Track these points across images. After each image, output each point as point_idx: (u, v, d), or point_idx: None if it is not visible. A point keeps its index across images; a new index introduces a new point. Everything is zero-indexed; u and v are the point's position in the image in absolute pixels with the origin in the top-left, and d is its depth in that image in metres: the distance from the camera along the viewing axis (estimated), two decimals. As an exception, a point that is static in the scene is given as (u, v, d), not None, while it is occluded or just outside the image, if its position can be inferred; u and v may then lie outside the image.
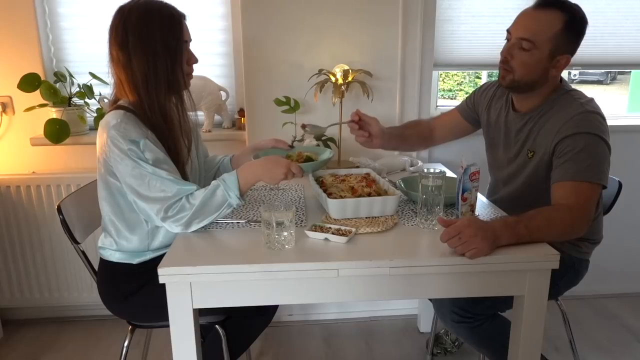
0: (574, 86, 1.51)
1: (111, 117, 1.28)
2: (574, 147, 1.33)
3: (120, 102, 1.34)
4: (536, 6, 1.38)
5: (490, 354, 1.55)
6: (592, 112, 1.36)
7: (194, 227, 1.30)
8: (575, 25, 1.36)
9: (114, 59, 1.31)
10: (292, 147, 1.58)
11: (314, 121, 2.12)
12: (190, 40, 1.38)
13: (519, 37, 1.38)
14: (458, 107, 1.81)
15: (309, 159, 1.49)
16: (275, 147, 1.57)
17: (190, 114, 1.46)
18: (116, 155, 1.27)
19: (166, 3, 1.33)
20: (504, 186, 1.62)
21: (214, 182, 1.30)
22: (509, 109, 1.58)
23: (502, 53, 1.44)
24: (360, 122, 1.57)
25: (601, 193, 1.50)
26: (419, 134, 1.80)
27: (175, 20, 1.31)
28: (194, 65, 1.40)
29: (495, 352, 1.49)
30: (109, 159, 1.29)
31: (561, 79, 1.48)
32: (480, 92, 1.73)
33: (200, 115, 2.23)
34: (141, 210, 1.32)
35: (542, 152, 1.44)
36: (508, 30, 1.43)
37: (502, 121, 1.60)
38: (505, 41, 1.44)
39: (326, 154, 1.54)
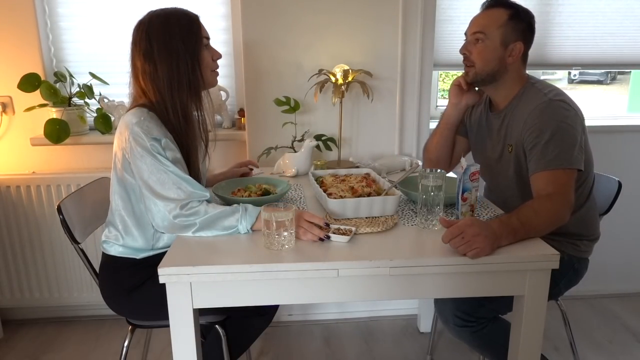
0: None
1: (133, 115, 1.30)
2: (541, 139, 1.38)
3: (141, 102, 1.36)
4: (484, 8, 1.53)
5: (492, 356, 1.55)
6: (554, 100, 1.42)
7: (193, 233, 1.30)
8: (520, 15, 1.48)
9: (138, 71, 1.34)
10: (252, 168, 1.79)
11: (314, 121, 2.12)
12: (209, 37, 1.42)
13: (472, 33, 1.51)
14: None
15: (266, 192, 1.54)
16: (244, 173, 1.76)
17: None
18: (137, 153, 1.28)
19: (179, 7, 1.38)
20: (497, 189, 1.65)
21: (235, 205, 1.32)
22: (488, 110, 1.64)
23: (460, 51, 1.55)
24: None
25: (592, 184, 1.54)
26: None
27: (192, 20, 1.36)
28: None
29: (497, 354, 1.49)
30: (129, 156, 1.30)
31: (528, 75, 1.55)
32: None
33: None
34: (149, 209, 1.31)
35: (515, 144, 1.49)
36: (465, 33, 1.55)
37: (484, 124, 1.65)
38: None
39: (284, 186, 1.57)
